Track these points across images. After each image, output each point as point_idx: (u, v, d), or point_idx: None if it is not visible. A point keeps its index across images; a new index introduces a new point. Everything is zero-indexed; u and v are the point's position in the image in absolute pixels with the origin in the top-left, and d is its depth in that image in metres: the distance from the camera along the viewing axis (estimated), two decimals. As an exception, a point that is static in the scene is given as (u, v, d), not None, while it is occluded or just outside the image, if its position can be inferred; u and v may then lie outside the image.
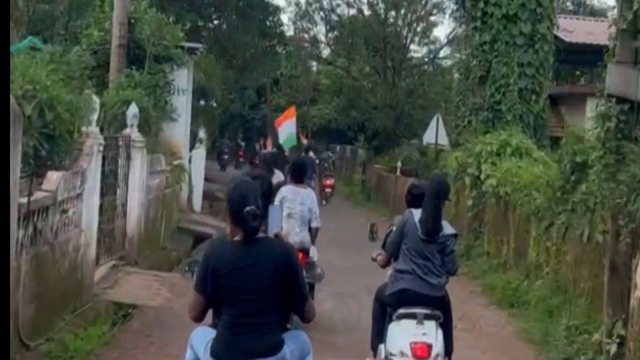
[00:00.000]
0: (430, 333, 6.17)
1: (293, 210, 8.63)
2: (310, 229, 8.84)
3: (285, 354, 4.20)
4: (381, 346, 6.54)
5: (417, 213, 6.45)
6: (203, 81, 21.67)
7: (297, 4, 40.70)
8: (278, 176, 11.21)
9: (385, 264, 6.88)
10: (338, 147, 39.15)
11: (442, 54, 39.06)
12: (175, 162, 15.56)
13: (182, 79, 16.47)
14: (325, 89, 44.19)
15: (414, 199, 6.67)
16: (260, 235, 4.16)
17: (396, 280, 6.42)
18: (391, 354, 6.26)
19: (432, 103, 36.37)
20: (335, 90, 44.07)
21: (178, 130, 16.54)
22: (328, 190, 26.04)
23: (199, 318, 4.30)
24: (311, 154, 25.15)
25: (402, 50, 37.51)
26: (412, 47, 38.45)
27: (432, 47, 38.73)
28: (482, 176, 14.60)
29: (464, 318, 9.81)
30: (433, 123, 21.06)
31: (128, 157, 11.60)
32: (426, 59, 38.36)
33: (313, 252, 8.97)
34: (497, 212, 13.92)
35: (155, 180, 13.44)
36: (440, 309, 6.33)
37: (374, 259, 7.06)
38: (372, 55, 38.45)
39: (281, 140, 22.60)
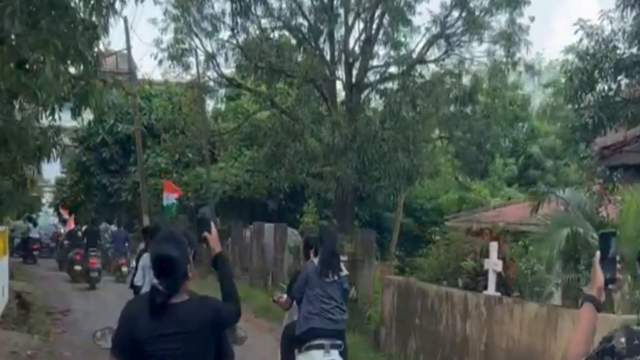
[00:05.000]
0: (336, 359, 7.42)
1: None
2: None
3: None
4: None
5: (317, 261, 7.53)
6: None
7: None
8: None
9: (288, 307, 8.01)
10: (267, 227, 22.11)
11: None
12: None
13: None
14: (229, 136, 28.22)
15: (309, 249, 7.77)
16: (184, 298, 3.85)
17: (306, 320, 7.45)
18: None
19: (425, 132, 21.48)
20: (246, 137, 28.38)
21: None
22: None
23: None
24: None
25: (365, 53, 22.24)
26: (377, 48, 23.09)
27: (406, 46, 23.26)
28: None
29: None
30: None
31: None
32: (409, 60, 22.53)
33: None
34: None
35: None
36: (341, 339, 7.56)
37: (275, 301, 8.21)
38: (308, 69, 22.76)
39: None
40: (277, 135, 23.69)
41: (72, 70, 16.01)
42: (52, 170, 39.05)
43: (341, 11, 23.19)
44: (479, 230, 11.41)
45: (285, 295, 8.01)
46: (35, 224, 31.72)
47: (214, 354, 3.97)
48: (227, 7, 23.05)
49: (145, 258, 8.65)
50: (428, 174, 23.26)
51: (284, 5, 22.99)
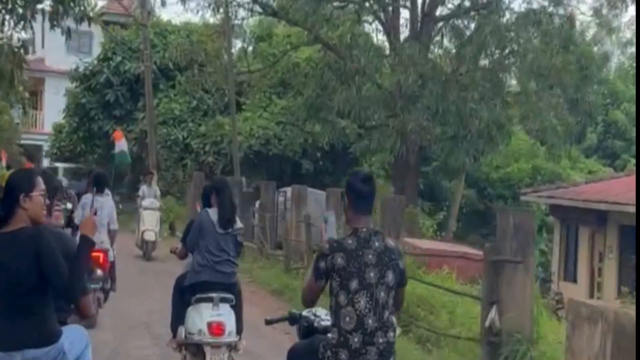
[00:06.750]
0: (225, 314, 7.16)
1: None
2: (109, 231, 9.92)
3: (63, 344, 4.24)
4: (181, 327, 7.35)
5: (211, 212, 7.25)
6: None
7: None
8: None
9: (183, 257, 7.72)
10: (311, 193, 16.61)
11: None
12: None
13: None
14: (260, 76, 23.19)
15: (206, 199, 7.45)
16: (16, 227, 4.06)
17: (195, 272, 7.24)
18: (190, 333, 7.19)
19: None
20: (278, 82, 23.41)
21: None
22: None
23: None
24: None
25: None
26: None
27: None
28: None
29: None
30: None
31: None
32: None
33: (112, 253, 9.97)
34: None
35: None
36: (232, 293, 7.29)
37: (173, 252, 7.97)
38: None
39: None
40: (323, 78, 18.77)
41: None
42: (52, 116, 34.33)
43: None
44: None
45: (180, 245, 7.80)
46: None
47: (45, 300, 4.08)
48: None
49: (83, 198, 9.88)
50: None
51: None
